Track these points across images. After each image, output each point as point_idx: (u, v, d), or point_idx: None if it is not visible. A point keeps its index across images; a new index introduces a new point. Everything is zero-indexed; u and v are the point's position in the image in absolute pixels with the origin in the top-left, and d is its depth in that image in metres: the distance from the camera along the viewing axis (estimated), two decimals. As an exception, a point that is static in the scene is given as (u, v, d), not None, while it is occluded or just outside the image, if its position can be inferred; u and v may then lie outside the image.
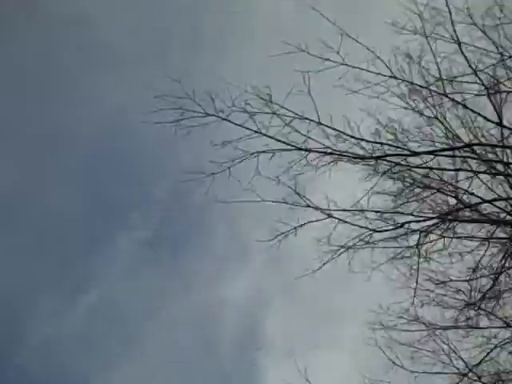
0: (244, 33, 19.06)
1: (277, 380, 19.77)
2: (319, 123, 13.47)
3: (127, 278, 22.85)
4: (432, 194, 14.93)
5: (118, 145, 23.22)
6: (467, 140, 14.24)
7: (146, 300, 22.56)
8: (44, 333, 21.99)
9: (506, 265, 14.98)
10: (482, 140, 14.30)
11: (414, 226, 14.77)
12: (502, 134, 14.16)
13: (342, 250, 14.57)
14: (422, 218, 14.73)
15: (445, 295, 15.66)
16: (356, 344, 17.45)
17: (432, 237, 14.96)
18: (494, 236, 15.07)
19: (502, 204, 14.67)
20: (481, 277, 15.32)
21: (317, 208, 14.40)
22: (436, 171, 14.61)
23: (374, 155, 13.77)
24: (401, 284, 15.50)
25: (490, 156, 14.56)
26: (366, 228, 14.52)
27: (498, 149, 14.45)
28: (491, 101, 14.01)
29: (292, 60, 13.45)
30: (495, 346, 15.56)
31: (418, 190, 14.86)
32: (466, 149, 14.20)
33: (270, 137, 13.58)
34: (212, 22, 21.06)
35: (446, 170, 14.58)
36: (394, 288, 15.54)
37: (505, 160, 14.43)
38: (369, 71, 13.54)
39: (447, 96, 13.87)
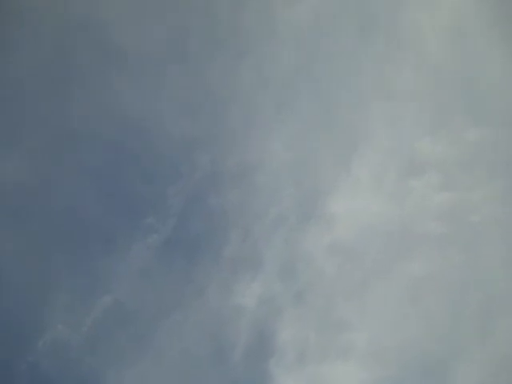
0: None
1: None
2: None
3: (141, 280, 22.92)
4: None
5: (135, 147, 23.42)
6: None
7: (159, 303, 22.61)
8: (57, 331, 22.09)
9: None
10: None
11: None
12: None
13: None
14: None
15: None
16: (367, 353, 17.34)
17: None
18: None
19: None
20: None
21: None
22: None
23: None
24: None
25: None
26: None
27: None
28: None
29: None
30: None
31: None
32: None
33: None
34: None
35: None
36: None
37: None
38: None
39: None
